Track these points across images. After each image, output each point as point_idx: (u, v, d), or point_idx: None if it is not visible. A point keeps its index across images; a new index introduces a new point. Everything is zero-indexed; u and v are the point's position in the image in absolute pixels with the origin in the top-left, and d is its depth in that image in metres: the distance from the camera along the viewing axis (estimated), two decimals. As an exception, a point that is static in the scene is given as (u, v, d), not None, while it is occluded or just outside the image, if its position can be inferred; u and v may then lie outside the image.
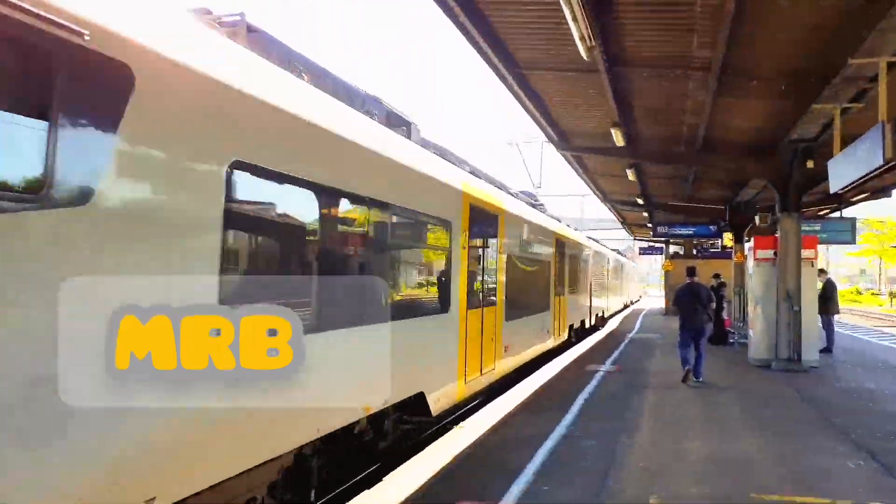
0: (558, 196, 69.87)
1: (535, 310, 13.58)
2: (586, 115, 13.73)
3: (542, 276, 14.60)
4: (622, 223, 40.55)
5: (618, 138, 13.67)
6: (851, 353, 16.70)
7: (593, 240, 27.57)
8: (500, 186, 12.43)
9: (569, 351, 17.14)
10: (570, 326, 18.39)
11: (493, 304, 10.32)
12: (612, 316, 32.98)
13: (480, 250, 9.85)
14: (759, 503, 5.58)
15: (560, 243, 16.36)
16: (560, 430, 8.16)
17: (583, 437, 7.82)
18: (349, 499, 6.06)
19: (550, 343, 15.27)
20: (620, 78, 10.86)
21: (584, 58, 8.39)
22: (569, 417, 8.92)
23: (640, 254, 50.10)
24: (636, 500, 5.62)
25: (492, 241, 10.33)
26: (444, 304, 8.18)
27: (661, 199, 25.32)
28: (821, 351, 14.95)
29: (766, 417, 8.98)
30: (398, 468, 6.88)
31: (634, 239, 49.56)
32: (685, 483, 6.10)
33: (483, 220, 9.78)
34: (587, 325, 22.24)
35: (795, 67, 9.80)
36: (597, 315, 25.10)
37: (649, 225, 29.75)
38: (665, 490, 5.88)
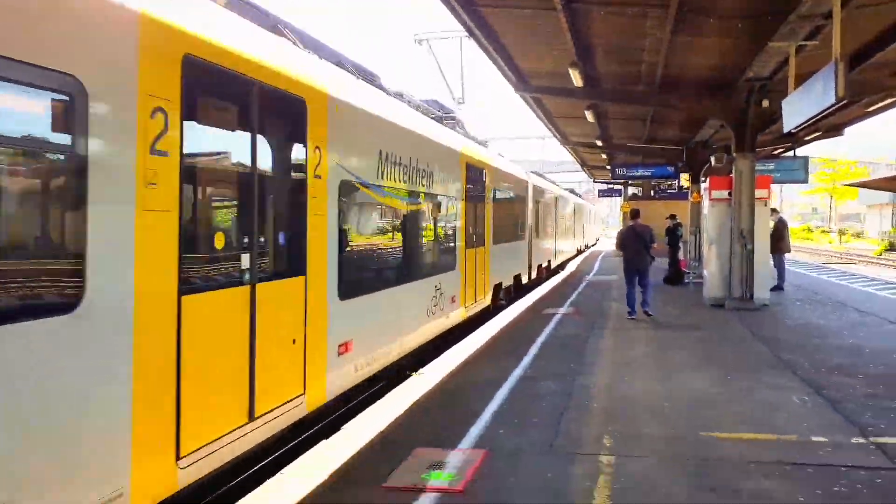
0: (519, 139, 69.94)
1: (428, 271, 9.59)
2: (544, 55, 13.43)
3: (443, 223, 10.42)
4: (582, 166, 40.69)
5: (576, 79, 13.45)
6: (802, 290, 17.19)
7: (537, 174, 23.06)
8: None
9: (503, 312, 14.38)
10: (498, 286, 14.44)
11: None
12: (566, 262, 31.14)
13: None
14: (708, 440, 5.69)
15: (474, 171, 12.04)
16: (517, 373, 8.24)
17: (539, 379, 7.91)
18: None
19: (457, 316, 11.02)
20: (578, 15, 10.58)
21: (538, -7, 8.11)
22: (526, 360, 9.01)
23: (599, 196, 50.41)
24: (590, 441, 5.70)
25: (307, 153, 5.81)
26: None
27: (620, 140, 25.33)
28: (772, 289, 15.33)
29: (718, 356, 9.18)
30: (356, 417, 6.84)
31: (594, 181, 49.81)
32: (638, 423, 6.20)
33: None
34: (528, 279, 18.54)
35: (752, 4, 9.66)
36: (541, 266, 21.67)
37: (608, 167, 29.82)
38: (618, 430, 5.97)
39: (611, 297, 16.41)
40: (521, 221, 17.15)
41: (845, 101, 8.58)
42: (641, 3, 9.75)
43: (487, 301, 13.17)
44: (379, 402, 7.35)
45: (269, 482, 5.18)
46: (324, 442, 6.10)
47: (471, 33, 11.75)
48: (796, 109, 9.86)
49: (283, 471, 5.42)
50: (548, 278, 22.89)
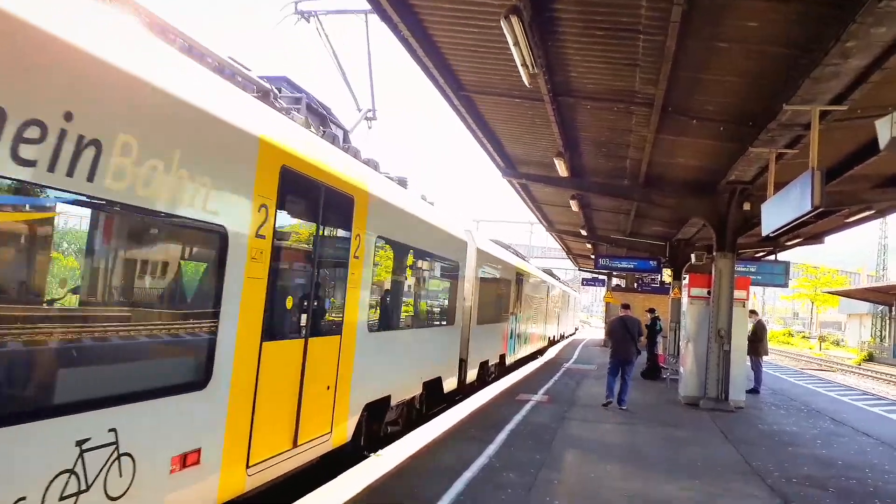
0: (509, 222, 70.63)
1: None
2: (532, 143, 13.73)
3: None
4: (567, 253, 41.01)
5: (561, 168, 13.69)
6: (778, 395, 17.01)
7: (498, 243, 19.79)
8: None
9: (477, 394, 13.65)
10: (367, 407, 8.15)
11: None
12: (535, 354, 26.39)
13: None
14: (670, 549, 5.41)
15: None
16: (481, 461, 7.95)
17: (503, 469, 7.63)
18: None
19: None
20: (565, 108, 10.87)
21: (527, 84, 8.32)
22: (492, 448, 8.71)
23: (583, 284, 50.56)
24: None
25: None
26: None
27: (605, 231, 25.65)
28: (748, 391, 15.16)
29: (688, 457, 8.93)
30: (306, 497, 6.52)
31: (579, 269, 50.12)
32: (599, 524, 5.91)
33: None
34: (458, 384, 13.07)
35: (735, 110, 9.95)
36: (487, 363, 16.59)
37: (592, 256, 30.07)
38: (578, 531, 5.68)
39: (586, 386, 16.14)
40: (449, 299, 12.22)
41: (822, 210, 8.71)
42: (627, 101, 10.02)
43: (346, 434, 7.47)
44: (332, 482, 7.02)
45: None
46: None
47: (461, 117, 12.02)
48: (775, 214, 10.00)
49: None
50: (499, 377, 17.63)
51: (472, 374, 14.23)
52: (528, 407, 12.26)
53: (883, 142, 4.68)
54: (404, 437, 9.46)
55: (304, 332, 6.25)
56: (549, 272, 36.20)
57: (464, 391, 13.84)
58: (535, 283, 25.30)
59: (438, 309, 11.98)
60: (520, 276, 20.59)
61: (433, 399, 11.65)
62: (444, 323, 12.00)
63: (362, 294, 7.53)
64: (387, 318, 8.92)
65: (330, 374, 6.86)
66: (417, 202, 10.16)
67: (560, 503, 6.52)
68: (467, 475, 7.31)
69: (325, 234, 6.75)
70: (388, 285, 8.91)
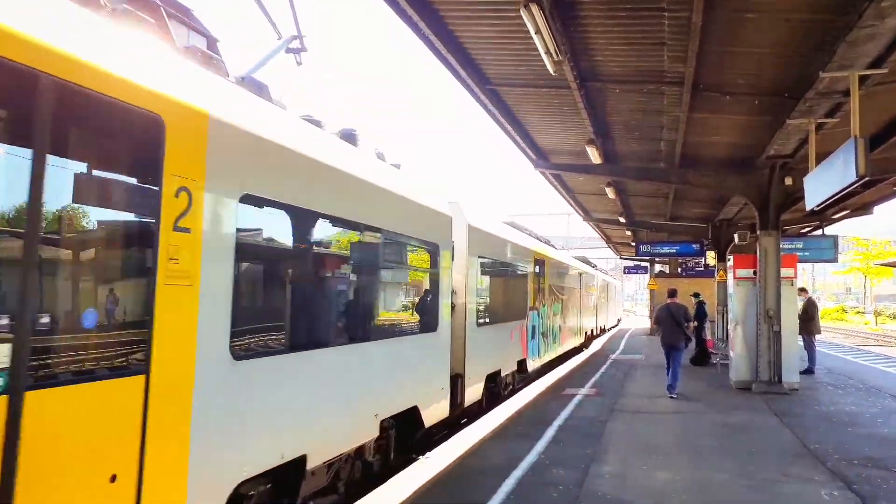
0: (545, 215, 70.32)
1: None
2: (562, 132, 13.55)
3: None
4: (607, 242, 40.46)
5: (594, 155, 13.48)
6: (833, 374, 16.47)
7: (512, 225, 16.29)
8: None
9: (523, 391, 13.52)
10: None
11: None
12: (564, 356, 21.21)
13: None
14: (728, 539, 5.24)
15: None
16: (530, 459, 7.85)
17: (552, 466, 7.52)
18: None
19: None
20: (593, 93, 10.68)
21: (552, 72, 8.19)
22: (540, 445, 8.59)
23: (625, 272, 49.88)
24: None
25: None
26: None
27: (643, 217, 25.21)
28: (802, 372, 14.71)
29: (742, 444, 8.68)
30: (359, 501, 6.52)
31: (620, 258, 49.45)
32: (653, 517, 5.76)
33: None
34: (451, 411, 9.73)
35: (768, 82, 9.66)
36: (500, 375, 12.89)
37: (633, 244, 29.59)
38: (631, 525, 5.55)
39: (634, 377, 15.88)
40: (423, 296, 8.98)
41: (868, 179, 8.37)
42: (656, 81, 9.80)
43: None
44: (379, 488, 7.00)
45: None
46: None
47: (488, 111, 11.91)
48: (818, 187, 9.66)
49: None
50: (518, 389, 14.33)
51: (473, 393, 10.82)
52: (575, 401, 12.10)
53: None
54: (451, 437, 9.41)
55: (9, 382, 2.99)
56: (584, 260, 31.42)
57: (465, 414, 10.81)
58: (563, 271, 20.81)
59: (402, 311, 8.36)
60: (540, 263, 16.53)
61: (409, 432, 8.21)
62: (416, 330, 8.32)
63: (203, 300, 4.16)
64: (281, 333, 5.37)
65: (108, 458, 3.49)
66: (350, 155, 6.62)
67: (612, 496, 6.38)
68: (517, 473, 7.22)
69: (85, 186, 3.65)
70: (280, 279, 5.56)
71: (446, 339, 9.25)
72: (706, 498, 6.34)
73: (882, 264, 56.88)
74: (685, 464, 7.63)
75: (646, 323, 41.48)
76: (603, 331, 36.67)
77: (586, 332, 27.76)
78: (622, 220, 24.76)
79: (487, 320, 11.93)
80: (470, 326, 10.71)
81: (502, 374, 12.98)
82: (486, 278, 12.19)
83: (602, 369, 17.50)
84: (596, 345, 27.45)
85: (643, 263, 40.21)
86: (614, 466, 7.53)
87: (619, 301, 60.53)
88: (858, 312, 70.89)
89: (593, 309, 31.00)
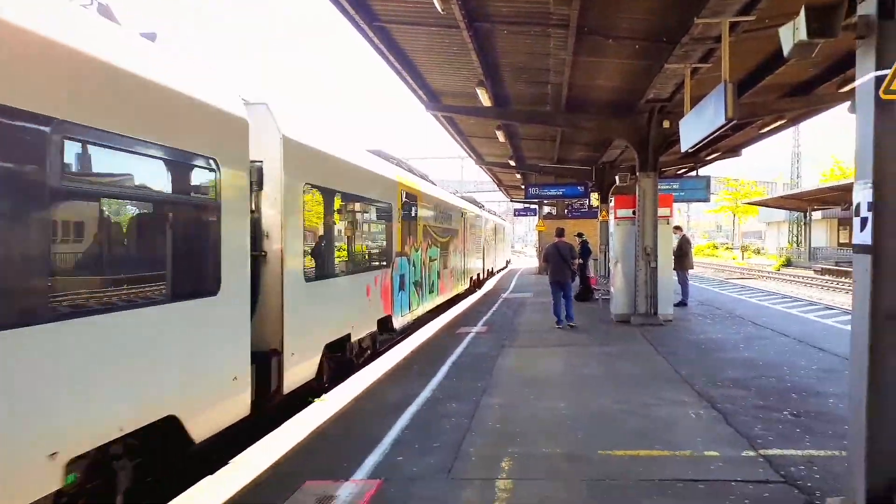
0: (438, 158, 70.28)
1: None
2: (453, 73, 13.47)
3: None
4: (499, 185, 41.19)
5: (484, 98, 13.53)
6: (704, 306, 17.78)
7: (372, 153, 12.66)
8: None
9: (418, 331, 13.82)
10: None
11: None
12: (453, 300, 20.19)
13: None
14: (605, 459, 5.63)
15: None
16: (424, 395, 8.08)
17: (445, 400, 7.77)
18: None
19: None
20: (482, 34, 10.64)
21: (440, 10, 8.06)
22: (434, 381, 8.85)
23: (515, 215, 51.12)
24: (489, 465, 5.54)
25: None
26: None
27: (532, 160, 25.80)
28: (676, 304, 15.78)
29: (621, 372, 9.26)
30: (250, 448, 6.46)
31: (511, 201, 50.55)
32: (539, 443, 6.09)
33: None
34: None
35: (649, 27, 9.95)
36: (316, 354, 8.75)
37: (523, 186, 30.28)
38: (519, 451, 5.86)
39: (524, 313, 16.48)
40: (182, 244, 5.65)
41: (736, 122, 8.91)
42: (542, 24, 9.88)
43: None
44: (276, 430, 6.99)
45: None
46: (208, 478, 5.68)
47: (378, 51, 11.62)
48: (692, 130, 10.17)
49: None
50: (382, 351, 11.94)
51: (301, 371, 8.04)
52: (468, 339, 12.45)
53: (787, 48, 4.71)
54: (348, 379, 9.45)
55: None
56: (471, 201, 29.34)
57: (294, 401, 8.00)
58: (443, 211, 18.14)
59: (131, 270, 5.17)
60: (410, 199, 13.77)
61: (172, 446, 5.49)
62: (163, 297, 5.25)
63: None
64: None
65: None
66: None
67: (501, 426, 6.69)
68: (412, 409, 7.42)
69: None
70: None
71: (241, 304, 6.42)
72: (586, 423, 6.74)
73: (749, 203, 61.45)
74: (568, 392, 8.07)
75: (535, 263, 42.88)
76: (492, 273, 35.02)
77: (473, 277, 25.64)
78: (512, 163, 25.22)
79: (326, 272, 9.01)
80: (291, 282, 7.62)
81: (354, 339, 10.06)
82: (325, 216, 9.03)
83: (494, 308, 18.03)
84: (486, 287, 27.79)
85: (532, 206, 41.31)
86: (503, 398, 7.85)
87: (508, 243, 58.49)
88: (727, 248, 76.52)
89: (480, 251, 28.29)
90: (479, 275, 27.93)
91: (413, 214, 14.08)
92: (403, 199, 13.12)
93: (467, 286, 23.60)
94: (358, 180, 10.36)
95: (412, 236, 14.08)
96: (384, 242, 11.97)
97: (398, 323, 12.72)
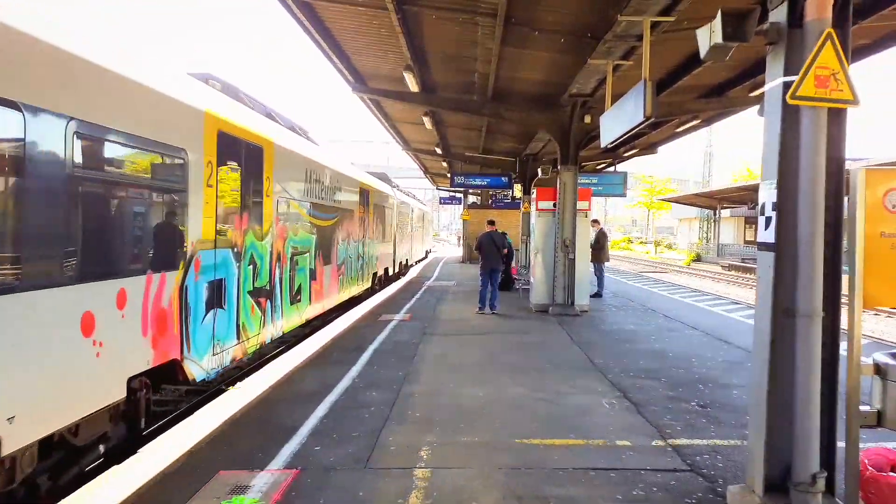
0: (364, 142, 69.67)
1: None
2: (381, 56, 13.26)
3: None
4: (425, 172, 41.12)
5: (411, 83, 13.40)
6: (618, 298, 18.36)
7: (279, 119, 11.34)
8: None
9: (339, 319, 13.58)
10: None
11: None
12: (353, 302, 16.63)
13: None
14: (522, 448, 5.72)
15: None
16: (344, 383, 7.98)
17: (365, 389, 7.70)
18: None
19: None
20: (410, 17, 10.50)
21: (368, -9, 7.88)
22: (354, 369, 8.76)
23: (441, 203, 51.27)
24: (407, 454, 5.54)
25: None
26: None
27: (459, 149, 25.83)
28: (592, 295, 16.22)
29: (538, 361, 9.44)
30: (160, 436, 6.23)
31: (437, 188, 50.62)
32: (457, 432, 6.13)
33: None
34: None
35: (574, 21, 10.07)
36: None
37: (448, 175, 30.33)
38: (437, 440, 5.88)
39: (447, 302, 16.54)
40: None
41: (654, 120, 9.16)
42: (471, 11, 9.83)
43: None
44: (189, 418, 6.77)
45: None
46: (115, 467, 5.44)
47: (304, 28, 11.30)
48: (612, 125, 10.40)
49: (61, 502, 4.75)
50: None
51: None
52: (390, 326, 12.39)
53: (703, 50, 4.87)
54: (263, 367, 9.25)
55: None
56: (382, 177, 24.73)
57: None
58: (323, 182, 12.80)
59: None
60: (240, 150, 8.47)
61: None
62: None
63: None
64: None
65: None
66: None
67: (420, 413, 6.70)
68: (331, 398, 7.32)
69: None
70: None
71: None
72: (503, 411, 6.84)
73: (662, 199, 63.82)
74: (487, 380, 8.17)
75: (458, 252, 43.12)
76: (405, 267, 29.41)
77: (378, 273, 20.42)
78: (439, 150, 25.19)
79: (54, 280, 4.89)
80: None
81: (47, 433, 4.92)
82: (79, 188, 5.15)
83: (417, 295, 18.01)
84: (402, 280, 24.44)
85: (458, 195, 41.51)
86: (424, 386, 7.87)
87: (429, 231, 54.66)
88: (641, 243, 79.33)
89: (387, 241, 22.79)
90: (387, 270, 22.91)
91: (254, 178, 8.91)
92: (224, 148, 7.73)
93: (368, 285, 18.60)
94: (159, 113, 6.43)
95: (249, 215, 8.61)
96: (161, 223, 6.71)
97: (205, 366, 7.44)
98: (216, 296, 7.68)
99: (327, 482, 4.94)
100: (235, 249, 8.22)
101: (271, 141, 9.53)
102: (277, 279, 9.97)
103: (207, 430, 6.22)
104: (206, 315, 7.46)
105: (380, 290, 20.22)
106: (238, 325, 8.37)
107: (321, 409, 6.86)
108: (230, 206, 8.12)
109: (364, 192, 17.33)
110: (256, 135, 8.92)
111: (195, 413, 7.04)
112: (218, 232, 7.63)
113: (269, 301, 9.54)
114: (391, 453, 5.57)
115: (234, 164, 8.17)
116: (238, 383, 8.33)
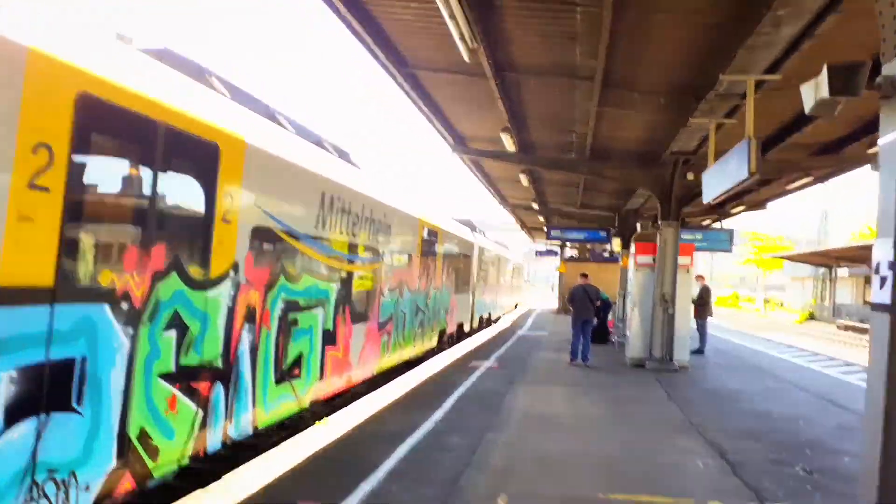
0: (465, 200, 70.77)
1: None
2: (480, 119, 13.81)
3: None
4: (522, 227, 41.40)
5: (509, 143, 13.84)
6: (721, 355, 17.68)
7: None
8: None
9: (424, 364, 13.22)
10: None
11: None
12: None
13: None
14: (605, 502, 5.68)
15: None
16: (427, 426, 8.06)
17: (447, 434, 7.75)
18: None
19: None
20: (509, 83, 10.97)
21: (466, 59, 8.39)
22: (439, 413, 8.83)
23: (537, 255, 51.21)
24: (484, 501, 5.53)
25: None
26: None
27: (556, 204, 26.01)
28: (693, 352, 15.75)
29: (632, 416, 9.28)
30: (244, 465, 6.49)
31: (534, 242, 50.70)
32: (538, 483, 6.12)
33: None
34: None
35: (673, 81, 10.20)
36: None
37: (545, 228, 30.47)
38: (517, 490, 5.84)
39: (538, 352, 16.47)
40: None
41: (759, 178, 9.05)
42: (569, 75, 10.18)
43: None
44: (273, 449, 7.05)
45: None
46: (198, 491, 5.74)
47: (408, 96, 12.01)
48: (714, 182, 10.32)
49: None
50: None
51: None
52: (478, 373, 12.49)
53: (808, 106, 4.86)
54: (350, 405, 9.53)
55: None
56: (466, 223, 20.58)
57: None
58: (367, 213, 9.77)
59: None
60: (260, 172, 6.61)
61: None
62: None
63: None
64: None
65: None
66: None
67: (502, 463, 6.68)
68: (412, 440, 7.39)
69: None
70: None
71: None
72: (591, 468, 6.75)
73: (776, 256, 60.93)
74: (576, 435, 8.08)
75: (552, 303, 42.45)
76: (486, 322, 25.16)
77: (444, 331, 16.36)
78: (535, 206, 25.45)
79: None
80: None
81: None
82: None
83: (508, 344, 18.04)
84: (488, 332, 22.01)
85: (554, 248, 41.41)
86: (508, 435, 7.85)
87: (520, 282, 48.81)
88: (749, 300, 75.60)
89: (463, 293, 18.99)
90: (462, 325, 19.28)
91: (189, 189, 5.81)
92: (90, 122, 4.35)
93: (431, 345, 15.04)
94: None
95: (168, 245, 5.32)
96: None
97: None
98: (53, 391, 4.11)
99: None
100: (125, 304, 4.74)
101: (240, 139, 6.23)
102: (245, 348, 6.47)
103: (290, 463, 6.44)
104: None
105: (448, 349, 16.70)
106: (122, 438, 4.77)
107: (401, 451, 6.91)
108: (110, 225, 5.07)
109: (429, 233, 14.21)
110: (199, 121, 5.61)
111: (283, 442, 7.30)
112: (63, 273, 4.14)
113: (219, 385, 6.04)
114: (468, 500, 5.56)
115: (123, 156, 5.10)
116: (325, 418, 8.60)
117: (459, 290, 18.25)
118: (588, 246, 34.35)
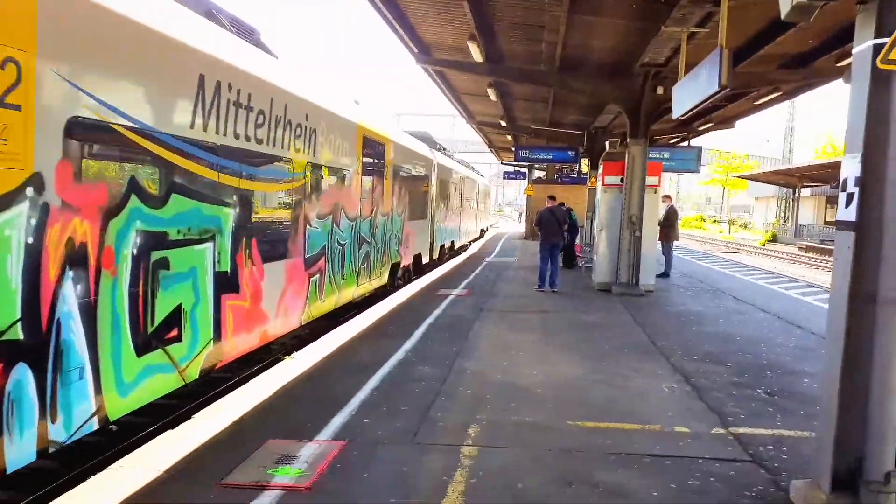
0: (431, 115, 69.83)
1: None
2: (446, 25, 13.04)
3: None
4: (489, 146, 40.77)
5: (476, 53, 13.14)
6: (686, 278, 17.73)
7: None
8: None
9: (397, 293, 12.77)
10: None
11: None
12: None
13: None
14: (574, 430, 5.52)
15: None
16: (397, 357, 7.93)
17: (417, 363, 7.63)
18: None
19: None
20: (475, -15, 10.24)
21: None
22: (408, 343, 8.69)
23: (505, 178, 50.78)
24: (455, 431, 5.43)
25: None
26: None
27: (524, 122, 25.41)
28: (659, 275, 15.69)
29: (598, 342, 9.14)
30: (212, 404, 6.33)
31: (501, 163, 50.12)
32: (507, 411, 5.98)
33: None
34: None
35: (647, -14, 9.59)
36: None
37: (513, 149, 29.94)
38: (487, 418, 5.74)
39: (506, 278, 16.35)
40: None
41: (731, 92, 8.64)
42: (538, -23, 9.49)
43: None
44: (242, 387, 6.87)
45: (94, 478, 4.61)
46: (168, 432, 5.55)
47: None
48: (685, 96, 9.89)
49: (113, 465, 4.87)
50: None
51: None
52: (447, 301, 12.29)
53: (784, 10, 4.44)
54: (319, 339, 9.31)
55: None
56: (423, 137, 19.75)
57: None
58: (281, 112, 7.55)
59: None
60: (75, 31, 4.33)
61: None
62: None
63: None
64: None
65: None
66: None
67: (472, 391, 6.57)
68: (382, 371, 7.27)
69: None
70: None
71: None
72: (558, 392, 6.63)
73: (739, 177, 61.35)
74: (544, 360, 7.94)
75: (520, 228, 42.56)
76: (449, 252, 23.88)
77: (397, 265, 14.62)
78: (504, 123, 24.84)
79: None
80: None
81: None
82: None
83: (476, 271, 17.87)
84: (462, 256, 23.46)
85: (522, 169, 40.96)
86: (477, 363, 7.72)
87: (487, 206, 46.92)
88: (715, 221, 76.75)
89: (420, 219, 16.93)
90: (419, 257, 17.41)
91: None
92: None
93: (380, 283, 13.19)
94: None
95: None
96: None
97: None
98: None
99: (372, 456, 4.88)
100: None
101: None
102: (69, 309, 4.42)
103: (259, 399, 6.27)
104: None
105: (404, 286, 14.84)
106: None
107: (371, 383, 6.80)
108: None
109: (373, 145, 11.73)
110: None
111: (252, 380, 7.14)
112: None
113: (23, 370, 4.05)
114: (439, 430, 5.47)
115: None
116: (294, 353, 8.41)
117: (415, 216, 15.96)
118: (557, 167, 33.91)
